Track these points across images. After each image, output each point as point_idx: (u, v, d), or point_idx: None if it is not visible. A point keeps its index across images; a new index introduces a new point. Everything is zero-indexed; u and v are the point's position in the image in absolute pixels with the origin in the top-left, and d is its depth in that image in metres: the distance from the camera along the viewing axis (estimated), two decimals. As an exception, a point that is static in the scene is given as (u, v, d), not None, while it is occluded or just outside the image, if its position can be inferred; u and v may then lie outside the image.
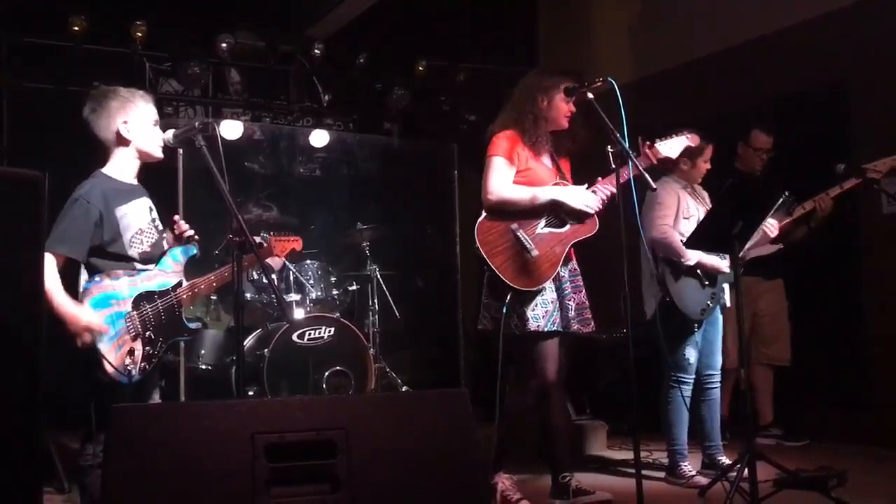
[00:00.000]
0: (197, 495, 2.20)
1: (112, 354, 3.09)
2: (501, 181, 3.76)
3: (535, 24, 7.86)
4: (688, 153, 4.36)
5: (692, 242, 3.99)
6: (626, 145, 3.48)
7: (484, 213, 3.77)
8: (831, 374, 5.42)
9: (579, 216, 3.78)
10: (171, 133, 3.31)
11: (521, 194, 3.76)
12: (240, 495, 2.21)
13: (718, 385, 4.41)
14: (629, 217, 3.40)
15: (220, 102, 6.37)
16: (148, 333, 3.21)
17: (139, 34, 5.59)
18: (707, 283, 4.24)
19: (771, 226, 4.37)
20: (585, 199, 3.76)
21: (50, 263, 3.06)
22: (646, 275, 4.32)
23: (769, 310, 5.34)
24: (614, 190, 3.68)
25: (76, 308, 3.07)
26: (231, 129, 6.13)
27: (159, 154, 3.34)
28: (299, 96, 6.61)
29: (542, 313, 3.70)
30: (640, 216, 3.49)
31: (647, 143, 3.88)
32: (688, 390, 4.27)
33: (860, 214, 5.32)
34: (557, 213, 3.79)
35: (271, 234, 3.82)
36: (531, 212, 3.76)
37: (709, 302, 4.24)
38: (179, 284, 3.34)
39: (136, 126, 3.27)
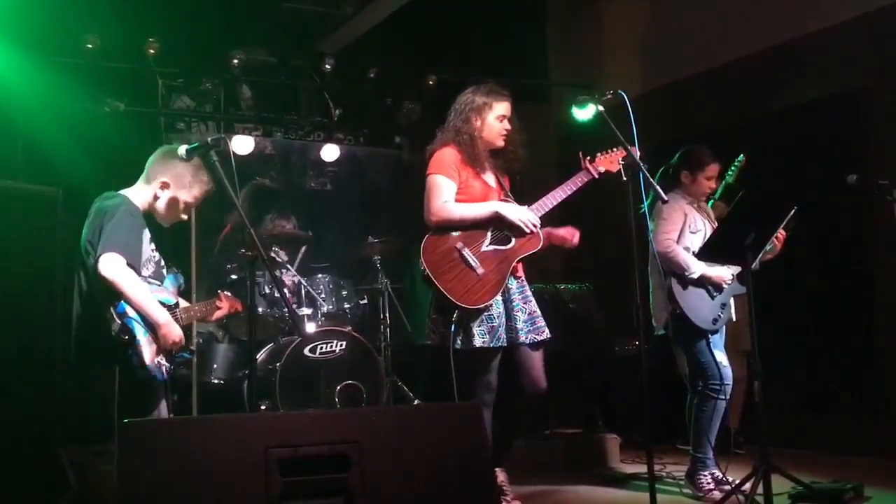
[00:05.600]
0: (211, 509, 2.20)
1: (147, 349, 3.15)
2: (443, 200, 3.78)
3: (544, 37, 7.87)
4: (689, 168, 4.37)
5: (704, 254, 3.99)
6: (638, 157, 3.49)
7: (429, 232, 3.78)
8: (846, 385, 5.38)
9: (523, 232, 3.79)
10: (183, 148, 3.34)
11: (464, 211, 3.79)
12: (253, 509, 2.21)
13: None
14: (641, 230, 3.41)
15: (231, 118, 6.39)
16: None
17: (152, 51, 5.63)
18: (715, 293, 4.23)
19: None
20: (520, 213, 3.78)
21: (121, 263, 3.09)
22: (655, 288, 4.30)
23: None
24: (557, 202, 3.79)
25: (169, 318, 3.22)
26: (243, 144, 6.16)
27: (167, 224, 3.47)
28: (310, 111, 6.64)
29: (487, 329, 3.73)
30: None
31: (587, 157, 3.89)
32: (724, 396, 4.19)
33: (872, 225, 5.28)
34: (501, 229, 3.81)
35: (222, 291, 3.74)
36: (475, 228, 3.78)
37: (720, 313, 4.23)
38: (177, 305, 3.44)
39: (171, 197, 3.40)
